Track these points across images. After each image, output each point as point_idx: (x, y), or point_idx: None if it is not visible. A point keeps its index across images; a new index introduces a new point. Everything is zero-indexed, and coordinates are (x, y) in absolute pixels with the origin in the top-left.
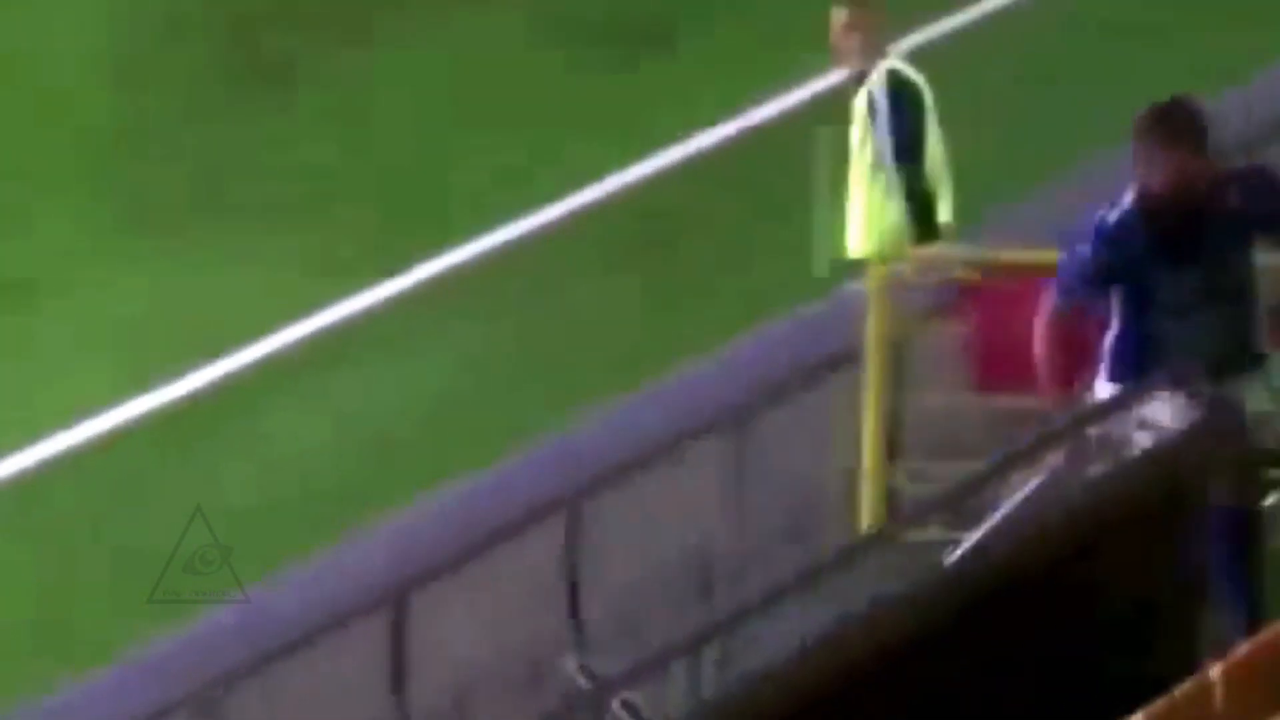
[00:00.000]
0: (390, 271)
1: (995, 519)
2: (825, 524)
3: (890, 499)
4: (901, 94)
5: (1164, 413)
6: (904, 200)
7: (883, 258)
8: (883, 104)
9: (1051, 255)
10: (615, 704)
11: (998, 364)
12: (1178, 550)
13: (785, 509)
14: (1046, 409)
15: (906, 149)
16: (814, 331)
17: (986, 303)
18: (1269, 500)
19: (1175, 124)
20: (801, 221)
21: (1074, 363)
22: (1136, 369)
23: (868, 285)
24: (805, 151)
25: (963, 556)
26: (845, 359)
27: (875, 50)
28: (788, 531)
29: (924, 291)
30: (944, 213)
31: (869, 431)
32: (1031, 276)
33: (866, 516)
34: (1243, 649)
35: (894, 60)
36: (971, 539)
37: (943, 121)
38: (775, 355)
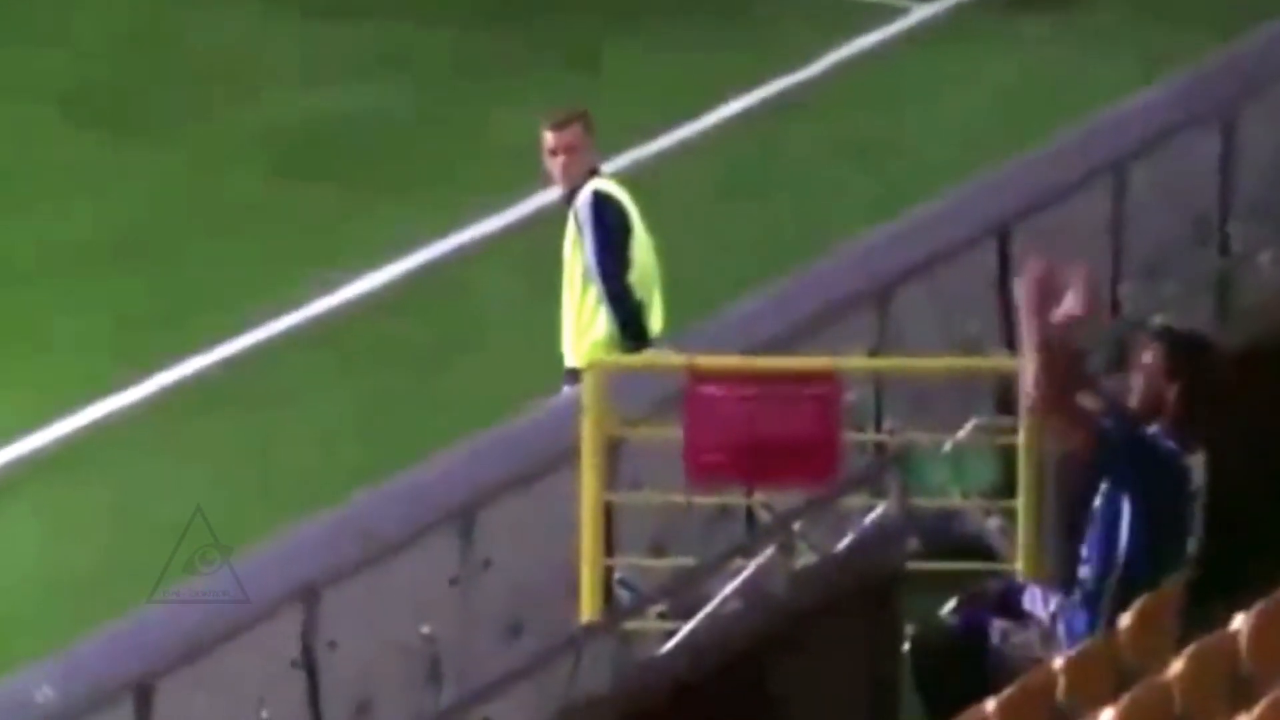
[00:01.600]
0: None
1: (706, 611)
2: (549, 615)
3: (609, 591)
4: (605, 210)
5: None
6: (611, 311)
7: (595, 364)
8: (587, 221)
9: (756, 361)
10: None
11: (711, 463)
12: (875, 640)
13: (512, 601)
14: (759, 502)
15: (612, 264)
16: (536, 432)
17: (699, 406)
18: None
19: None
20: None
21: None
22: None
23: (584, 390)
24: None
25: (675, 647)
26: (565, 459)
27: (580, 170)
28: (513, 623)
29: (638, 395)
30: (655, 322)
31: (586, 526)
32: (741, 381)
33: (586, 608)
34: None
35: (599, 180)
36: (685, 630)
37: (655, 235)
38: (501, 456)
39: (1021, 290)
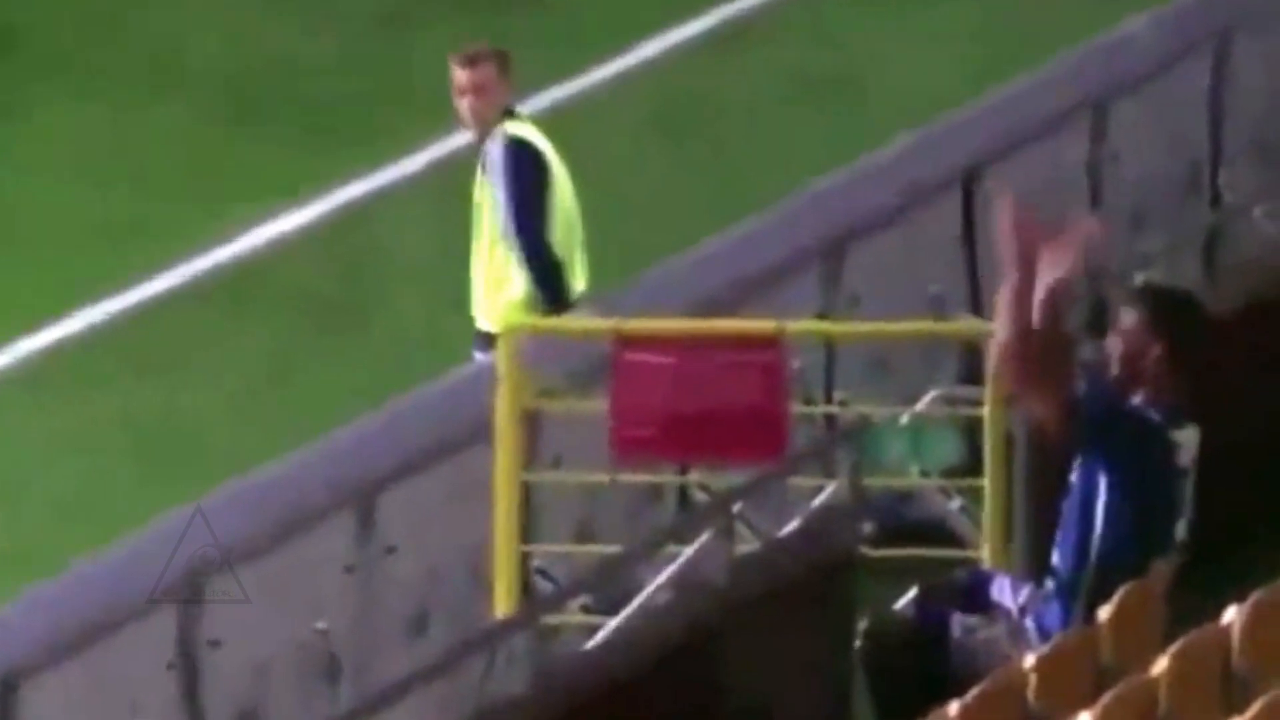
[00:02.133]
0: None
1: (637, 603)
2: (459, 609)
3: (525, 582)
4: (520, 157)
5: None
6: (528, 269)
7: (511, 328)
8: (500, 169)
9: (692, 324)
10: None
11: (640, 438)
12: (825, 636)
13: (417, 592)
14: (694, 482)
15: (528, 217)
16: (444, 405)
17: (626, 374)
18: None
19: None
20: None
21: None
22: None
23: (497, 357)
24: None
25: (604, 643)
26: (476, 434)
27: (492, 113)
28: (418, 616)
29: (559, 363)
30: (578, 280)
31: (501, 511)
32: (673, 346)
33: (500, 601)
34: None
35: (514, 123)
36: (612, 624)
37: (580, 186)
38: (403, 430)
39: (999, 241)
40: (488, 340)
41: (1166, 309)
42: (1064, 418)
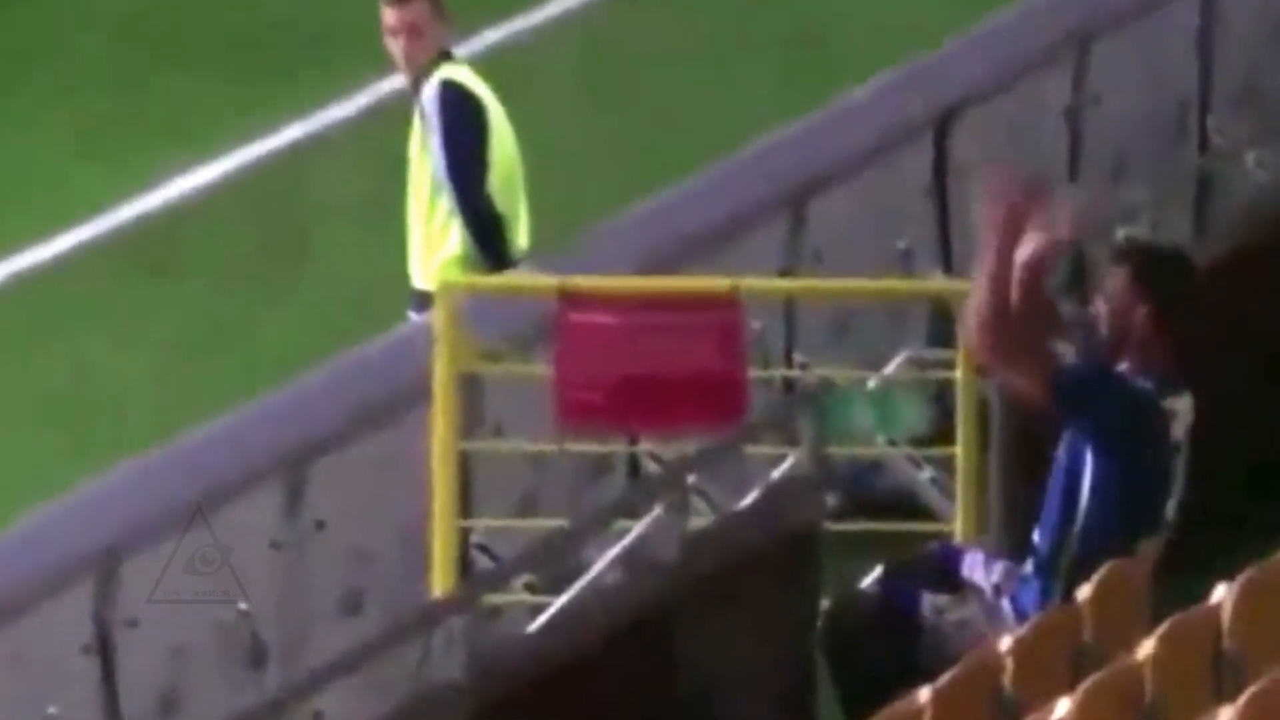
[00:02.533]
0: None
1: (584, 581)
2: (393, 587)
3: (465, 559)
4: (457, 104)
5: None
6: (466, 224)
7: (448, 286)
8: (435, 117)
9: (643, 282)
10: None
11: (586, 404)
12: (786, 617)
13: (348, 569)
14: (645, 451)
15: (466, 168)
16: (377, 369)
17: (572, 336)
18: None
19: None
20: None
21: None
22: None
23: (434, 317)
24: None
25: (548, 624)
26: (411, 401)
27: (425, 55)
28: (349, 596)
29: (500, 324)
30: (520, 237)
31: (439, 483)
32: (623, 306)
33: (438, 579)
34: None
35: (451, 67)
36: (558, 604)
37: (522, 136)
38: (333, 396)
39: (978, 206)
40: (424, 300)
41: (1152, 266)
42: (1045, 391)
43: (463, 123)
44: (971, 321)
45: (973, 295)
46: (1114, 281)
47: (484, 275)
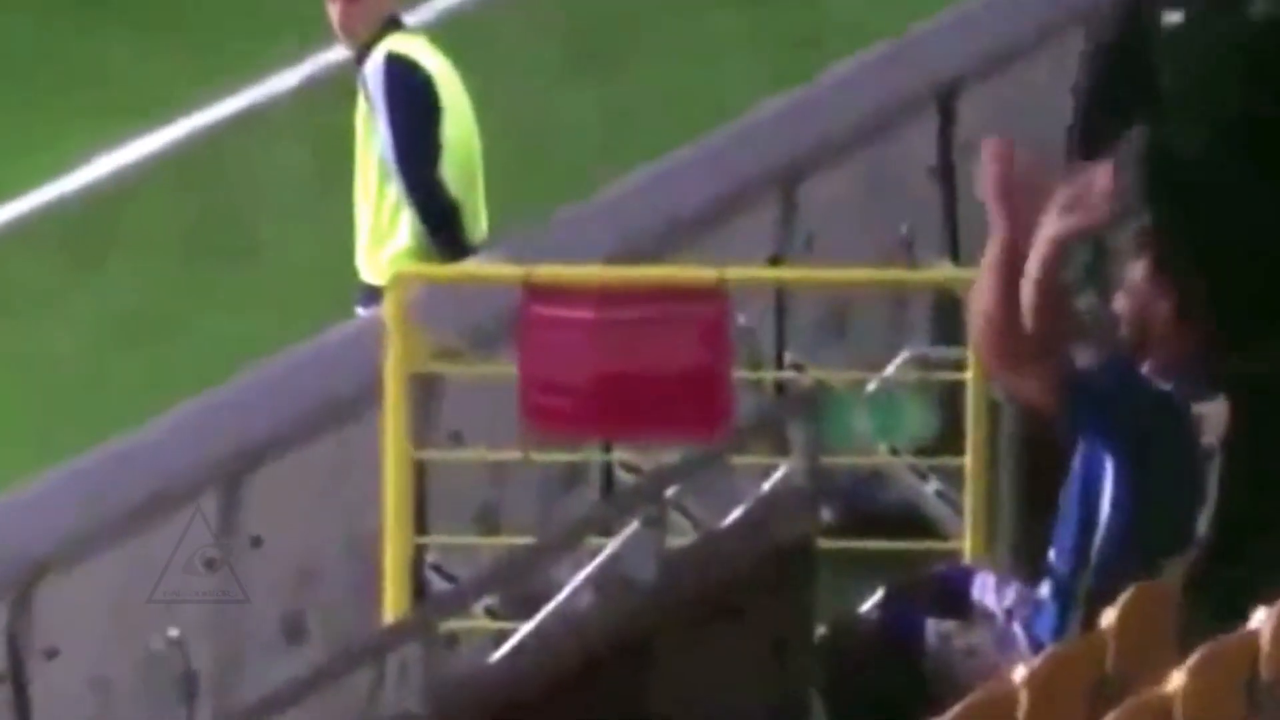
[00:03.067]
0: None
1: (553, 605)
2: (341, 612)
3: (420, 581)
4: (405, 79)
5: None
6: (417, 213)
7: (400, 277)
8: (381, 93)
9: (618, 272)
10: None
11: (554, 408)
12: (776, 644)
13: (290, 591)
14: (620, 460)
15: (415, 152)
16: (323, 369)
17: (539, 332)
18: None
19: None
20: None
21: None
22: None
23: (385, 312)
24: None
25: (513, 652)
26: (360, 405)
27: (368, 23)
28: (291, 621)
29: (458, 319)
30: (479, 226)
31: (391, 496)
32: (595, 299)
33: (390, 602)
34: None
35: (399, 38)
36: (523, 630)
37: (482, 112)
38: (272, 399)
39: (984, 190)
40: (373, 295)
41: (1177, 253)
42: (1057, 399)
43: (411, 101)
44: (977, 321)
45: (977, 291)
46: (1138, 275)
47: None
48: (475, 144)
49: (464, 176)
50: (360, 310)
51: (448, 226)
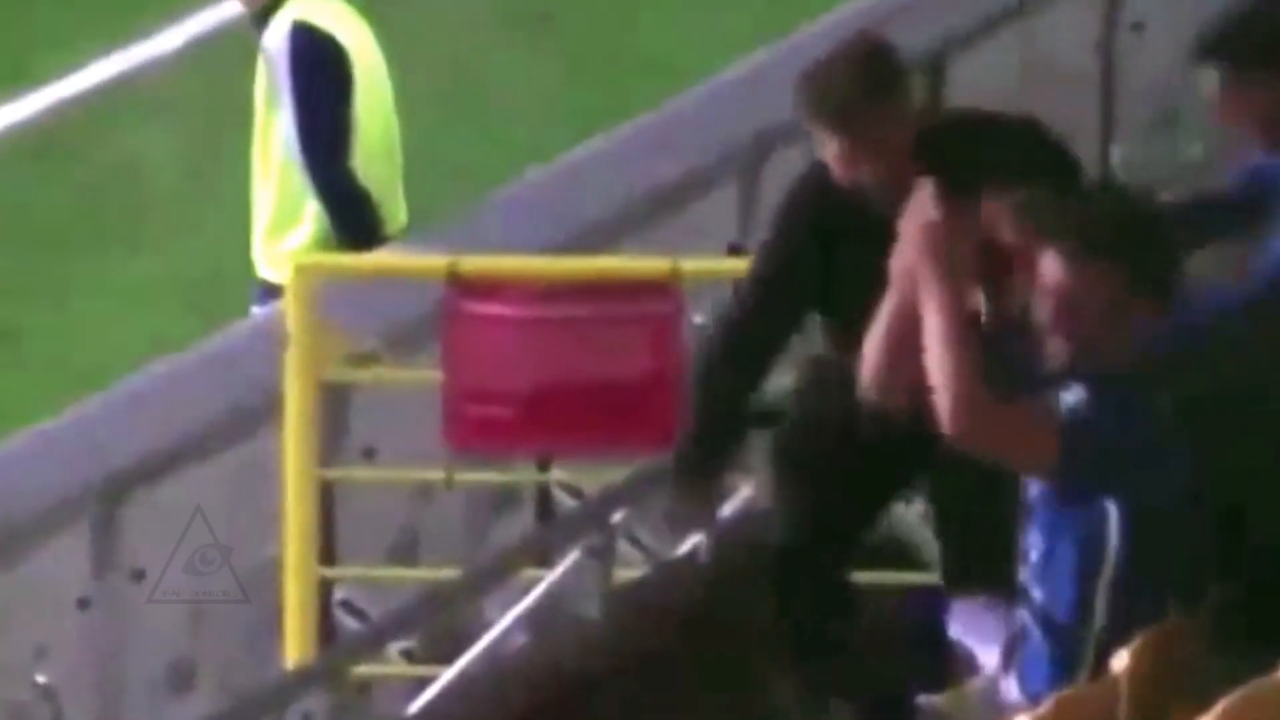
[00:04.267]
0: None
1: (480, 647)
2: (236, 655)
3: (327, 619)
4: (314, 56)
5: None
6: (321, 200)
7: (305, 269)
8: (284, 65)
9: (557, 263)
10: None
11: (484, 419)
12: (735, 690)
13: (178, 633)
14: (559, 480)
15: (321, 135)
16: (213, 376)
17: (467, 332)
18: None
19: None
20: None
21: None
22: None
23: (285, 310)
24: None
25: (434, 701)
26: (257, 417)
27: None
28: (180, 666)
29: (373, 317)
30: (395, 215)
31: (294, 522)
32: (531, 294)
33: (292, 645)
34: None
35: (307, 3)
36: (445, 676)
37: (404, 86)
38: (154, 412)
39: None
40: (273, 292)
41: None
42: (1055, 454)
43: (318, 77)
44: (943, 404)
45: (933, 371)
46: (1055, 264)
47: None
48: (393, 125)
49: (379, 163)
50: (256, 310)
51: (356, 220)
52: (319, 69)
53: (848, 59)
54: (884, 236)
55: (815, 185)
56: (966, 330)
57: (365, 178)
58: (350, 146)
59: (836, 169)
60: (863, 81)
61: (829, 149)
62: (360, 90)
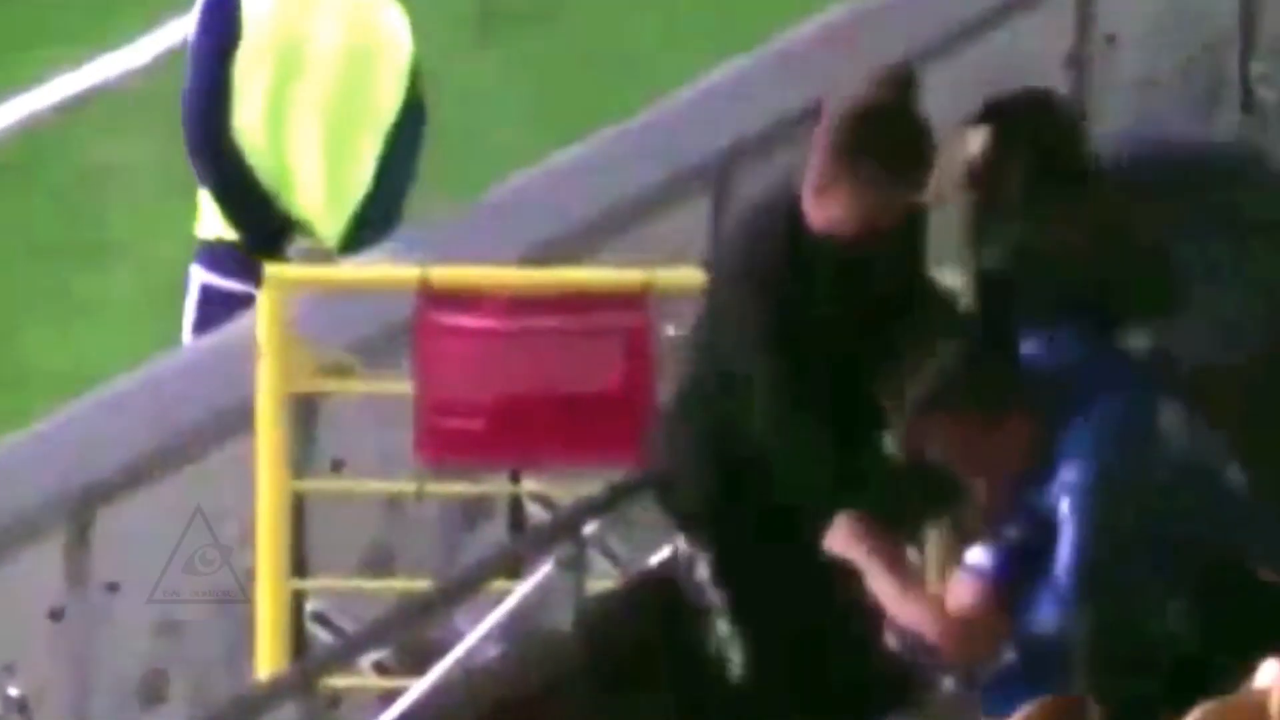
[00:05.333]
0: None
1: (452, 659)
2: (207, 669)
3: (299, 631)
4: (205, 14)
5: None
6: (199, 179)
7: (274, 278)
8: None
9: (529, 275)
10: None
11: (456, 431)
12: (713, 691)
13: (151, 644)
14: (531, 492)
15: (195, 95)
16: (185, 387)
17: (437, 344)
18: None
19: None
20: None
21: None
22: None
23: (257, 319)
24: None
25: (406, 713)
26: (228, 428)
27: None
28: (151, 678)
29: (343, 328)
30: (299, 202)
31: (265, 534)
32: (503, 305)
33: (263, 657)
34: None
35: None
36: (418, 688)
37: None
38: (129, 422)
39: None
40: (209, 250)
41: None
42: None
43: (199, 32)
44: (934, 639)
45: (911, 619)
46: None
47: (246, 260)
48: (348, 119)
49: (280, 139)
50: (195, 269)
51: (233, 200)
52: (201, 24)
53: (910, 109)
54: (850, 284)
55: (783, 220)
56: (908, 574)
57: (252, 150)
58: (222, 107)
59: (833, 214)
60: (929, 140)
61: (842, 193)
62: (255, 51)
